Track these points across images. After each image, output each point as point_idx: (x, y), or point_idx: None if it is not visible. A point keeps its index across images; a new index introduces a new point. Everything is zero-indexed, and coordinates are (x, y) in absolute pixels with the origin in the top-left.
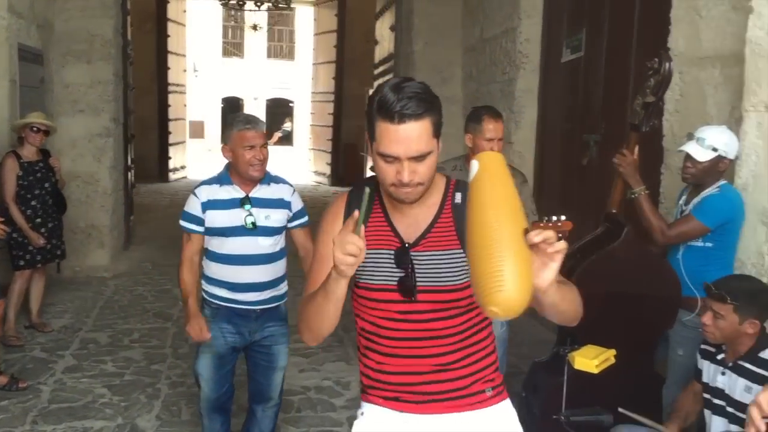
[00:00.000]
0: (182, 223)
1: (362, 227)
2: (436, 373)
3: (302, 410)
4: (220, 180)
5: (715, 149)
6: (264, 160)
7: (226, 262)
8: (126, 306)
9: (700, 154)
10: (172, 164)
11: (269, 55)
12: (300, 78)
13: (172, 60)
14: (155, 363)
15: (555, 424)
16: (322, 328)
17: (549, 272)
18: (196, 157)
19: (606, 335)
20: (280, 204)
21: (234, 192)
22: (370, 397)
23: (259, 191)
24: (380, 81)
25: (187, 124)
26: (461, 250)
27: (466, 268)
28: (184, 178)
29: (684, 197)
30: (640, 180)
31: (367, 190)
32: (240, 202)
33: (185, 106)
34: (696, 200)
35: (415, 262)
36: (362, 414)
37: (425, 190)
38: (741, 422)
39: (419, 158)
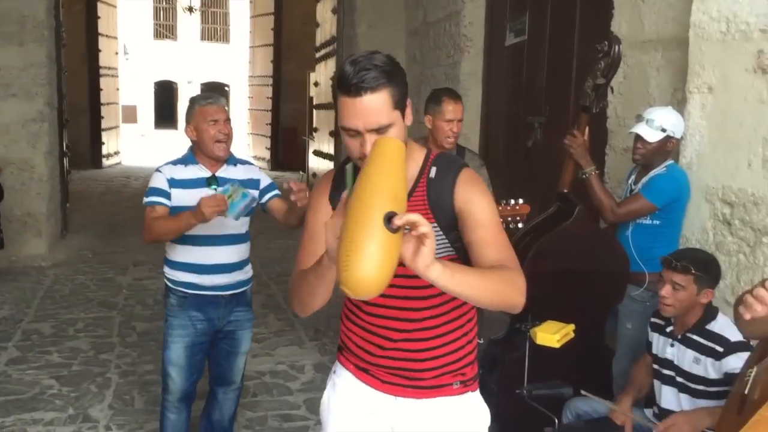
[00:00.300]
0: (147, 198)
1: None
2: (407, 361)
3: (258, 395)
4: (184, 161)
5: (663, 130)
6: (229, 137)
7: (193, 243)
8: (68, 295)
9: (650, 135)
10: (105, 150)
11: (203, 38)
12: (236, 61)
13: (103, 42)
14: (103, 352)
15: (513, 398)
16: (314, 304)
17: (421, 257)
18: (129, 143)
19: (560, 310)
20: (248, 184)
21: (200, 171)
22: (342, 359)
23: (226, 171)
24: (322, 64)
25: (120, 108)
26: (434, 223)
27: (441, 240)
28: (119, 164)
29: (633, 177)
30: (590, 160)
31: (349, 167)
32: (206, 181)
33: (117, 90)
34: (644, 180)
35: None
36: (335, 373)
37: None
38: (690, 391)
39: (380, 131)
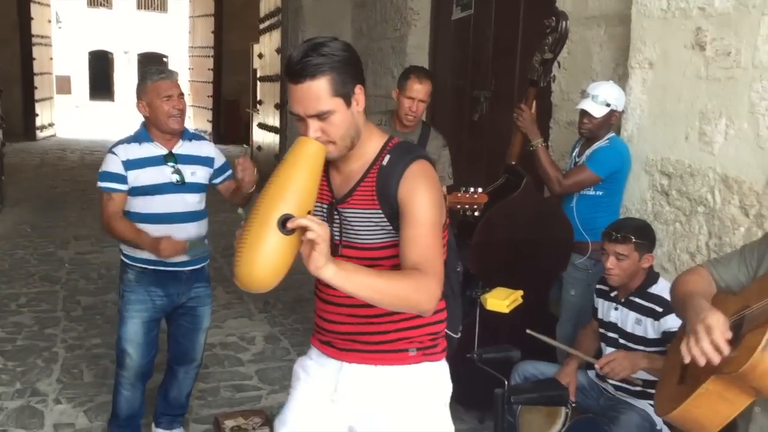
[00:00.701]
0: (102, 184)
1: None
2: (364, 325)
3: (210, 366)
4: (138, 138)
5: (608, 104)
6: (183, 111)
7: (153, 222)
8: (7, 270)
9: (596, 110)
10: (39, 122)
11: (139, 7)
12: (174, 31)
13: (35, 9)
14: (48, 327)
15: (465, 362)
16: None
17: (312, 260)
18: (63, 115)
19: (507, 278)
20: (205, 161)
21: (155, 149)
22: (312, 338)
23: (182, 147)
24: (267, 36)
25: (54, 78)
26: (380, 211)
27: (387, 228)
28: (53, 136)
29: (576, 149)
30: (538, 133)
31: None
32: (163, 159)
33: (51, 59)
34: (588, 152)
35: (342, 218)
36: (307, 353)
37: (344, 148)
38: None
39: (321, 117)
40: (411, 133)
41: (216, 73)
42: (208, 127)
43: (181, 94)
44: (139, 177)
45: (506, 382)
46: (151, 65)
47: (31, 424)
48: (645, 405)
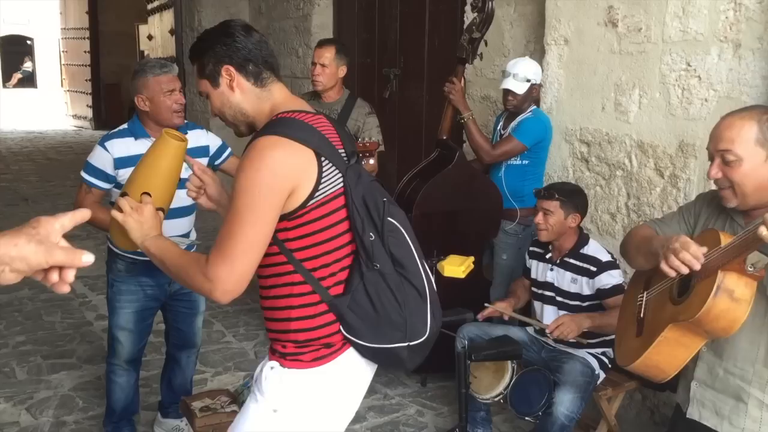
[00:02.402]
0: (84, 175)
1: None
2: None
3: (148, 354)
4: (133, 132)
5: (528, 80)
6: (184, 105)
7: None
8: None
9: (519, 87)
10: None
11: None
12: (41, 12)
13: None
14: None
15: None
16: None
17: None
18: None
19: (444, 246)
20: (200, 152)
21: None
22: None
23: None
24: (157, 16)
25: None
26: None
27: None
28: None
29: (501, 123)
30: (467, 106)
31: None
32: None
33: None
34: (513, 124)
35: None
36: None
37: (233, 125)
38: (568, 308)
39: (205, 98)
40: (335, 103)
41: (93, 55)
42: (88, 113)
43: (182, 88)
44: None
45: (466, 342)
46: (11, 46)
47: None
48: (584, 354)
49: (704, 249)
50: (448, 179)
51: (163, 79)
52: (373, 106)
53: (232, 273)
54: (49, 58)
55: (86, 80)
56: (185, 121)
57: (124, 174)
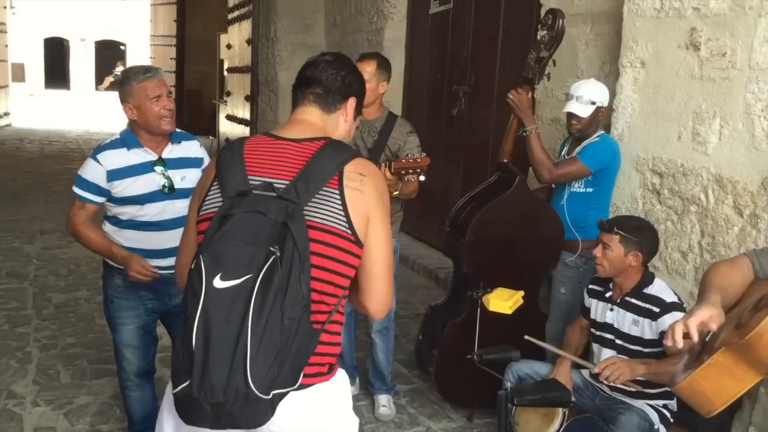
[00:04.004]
0: (77, 190)
1: None
2: None
3: None
4: (126, 143)
5: (593, 102)
6: (173, 111)
7: (143, 229)
8: None
9: (582, 110)
10: None
11: None
12: (134, 19)
13: None
14: (20, 326)
15: (454, 364)
16: None
17: None
18: (17, 103)
19: (498, 275)
20: (194, 162)
21: (145, 155)
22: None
23: (172, 151)
24: (236, 26)
25: (9, 66)
26: None
27: None
28: (9, 126)
29: (566, 147)
30: (533, 118)
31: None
32: (152, 165)
33: (6, 46)
34: (579, 148)
35: None
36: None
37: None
38: (628, 353)
39: None
40: (375, 121)
41: (179, 62)
42: None
43: (170, 93)
44: (130, 186)
45: (507, 384)
46: (106, 50)
47: (10, 428)
48: (642, 405)
49: (712, 326)
50: (506, 205)
51: (148, 85)
52: (441, 123)
53: None
54: (140, 63)
55: (171, 86)
56: (177, 129)
57: (118, 186)
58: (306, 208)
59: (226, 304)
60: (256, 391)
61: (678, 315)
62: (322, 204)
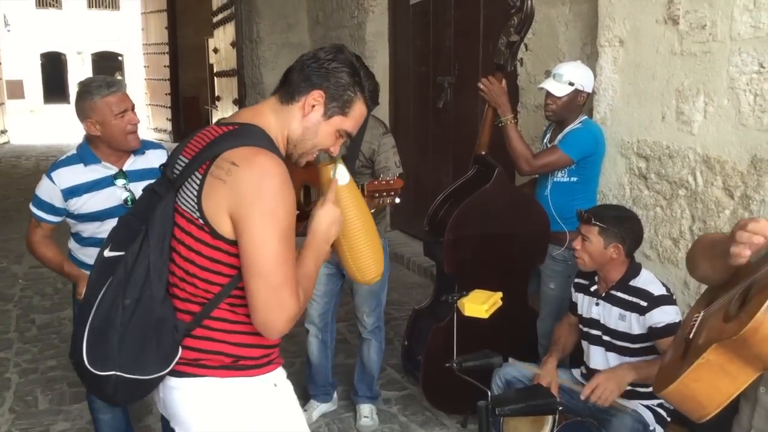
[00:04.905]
0: (33, 208)
1: None
2: None
3: None
4: (83, 158)
5: (571, 83)
6: (137, 125)
7: None
8: None
9: (559, 89)
10: None
11: (90, 5)
12: (128, 29)
13: None
14: (1, 350)
15: (441, 370)
16: None
17: None
18: (17, 120)
19: (484, 275)
20: (158, 173)
21: (104, 170)
22: (273, 363)
23: (135, 163)
24: (221, 29)
25: (4, 84)
26: None
27: None
28: (7, 143)
29: (548, 135)
30: (509, 107)
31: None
32: (113, 178)
33: (0, 64)
34: (560, 136)
35: None
36: (276, 385)
37: None
38: (616, 349)
39: None
40: None
41: (172, 69)
42: (168, 126)
43: (134, 106)
44: (88, 203)
45: (489, 393)
46: (104, 62)
47: None
48: (636, 405)
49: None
50: (485, 199)
51: (112, 100)
52: (427, 115)
53: None
54: (137, 74)
55: (166, 94)
56: (141, 141)
57: (75, 204)
58: (180, 191)
59: (102, 274)
60: (89, 366)
61: (667, 309)
62: (188, 189)
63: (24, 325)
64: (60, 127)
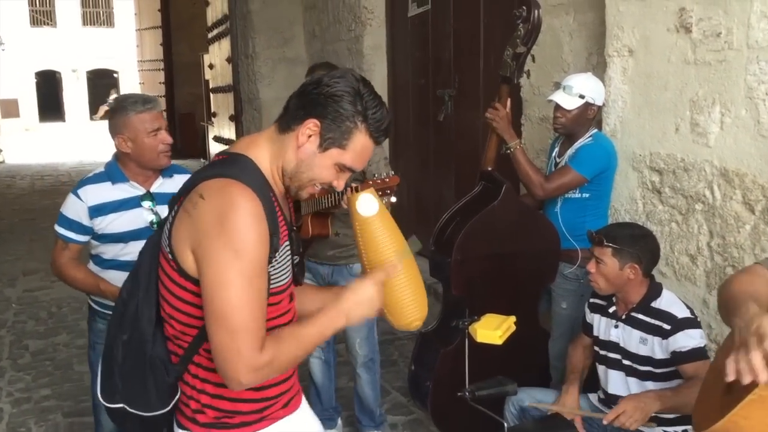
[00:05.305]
0: (59, 229)
1: None
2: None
3: None
4: (111, 176)
5: (582, 96)
6: (170, 144)
7: (127, 270)
8: None
9: (568, 102)
10: None
11: (85, 23)
12: (123, 46)
13: None
14: None
15: (452, 397)
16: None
17: None
18: (12, 139)
19: (492, 295)
20: None
21: (132, 190)
22: (269, 419)
23: (162, 185)
24: (216, 45)
25: None
26: None
27: None
28: (2, 163)
29: (557, 149)
30: (514, 134)
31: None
32: (140, 200)
33: None
34: (570, 151)
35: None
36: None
37: None
38: (638, 374)
39: None
40: None
41: (168, 86)
42: None
43: (167, 125)
44: (113, 223)
45: (505, 425)
46: (99, 79)
47: None
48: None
49: None
50: (493, 217)
51: (146, 117)
52: (428, 129)
53: None
54: (133, 90)
55: (162, 111)
56: (171, 162)
57: (100, 223)
58: (165, 225)
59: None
60: (100, 396)
61: (692, 332)
62: (168, 223)
63: (17, 352)
64: (55, 145)
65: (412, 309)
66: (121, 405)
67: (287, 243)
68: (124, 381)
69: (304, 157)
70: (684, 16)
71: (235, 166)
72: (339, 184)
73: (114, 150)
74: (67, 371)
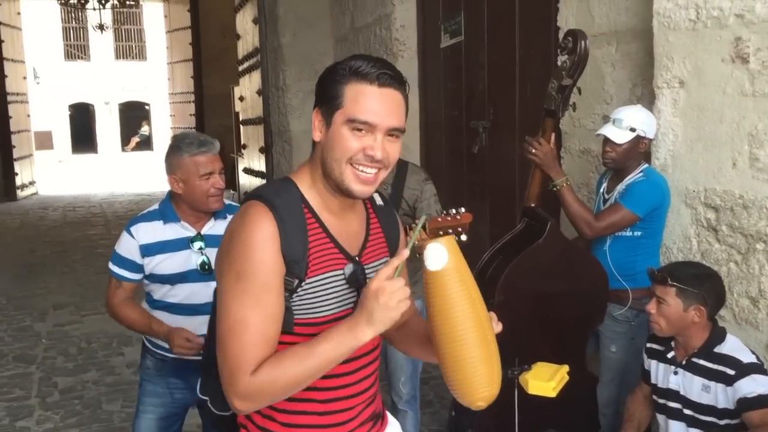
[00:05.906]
0: (113, 267)
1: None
2: (368, 403)
3: None
4: (163, 215)
5: (633, 129)
6: (223, 189)
7: (175, 312)
8: None
9: (619, 136)
10: (19, 180)
11: (118, 57)
12: (155, 79)
13: (9, 67)
14: (21, 418)
15: None
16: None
17: None
18: (46, 171)
19: (536, 337)
20: None
21: (183, 230)
22: None
23: (214, 227)
24: (246, 78)
25: (32, 135)
26: (388, 258)
27: None
28: (35, 194)
29: (605, 184)
30: (560, 170)
31: (423, 219)
32: (189, 241)
33: (28, 116)
34: (620, 188)
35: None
36: None
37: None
38: (701, 425)
39: (393, 134)
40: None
41: (198, 118)
42: None
43: (222, 169)
44: (161, 264)
45: None
46: (131, 111)
47: None
48: None
49: None
50: (537, 256)
51: (201, 160)
52: (461, 161)
53: None
54: (163, 123)
55: (217, 153)
56: (225, 203)
57: (149, 263)
58: None
59: None
60: (198, 388)
61: (759, 378)
62: None
63: (46, 390)
64: (87, 176)
65: (482, 381)
66: (206, 398)
67: (336, 272)
68: (213, 378)
69: (323, 141)
70: (740, 46)
71: (270, 186)
72: (375, 151)
73: (168, 188)
74: (95, 410)
